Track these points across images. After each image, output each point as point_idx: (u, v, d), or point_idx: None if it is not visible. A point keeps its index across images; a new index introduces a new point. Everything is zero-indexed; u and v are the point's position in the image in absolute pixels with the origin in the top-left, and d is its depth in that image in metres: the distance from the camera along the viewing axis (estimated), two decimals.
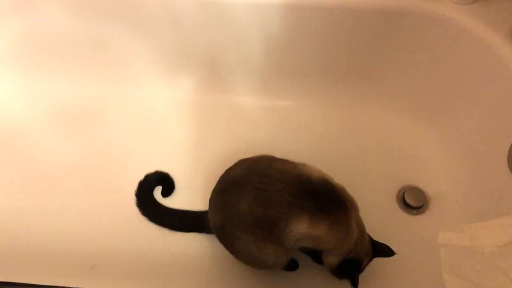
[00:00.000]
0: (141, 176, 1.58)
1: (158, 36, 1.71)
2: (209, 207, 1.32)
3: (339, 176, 1.25)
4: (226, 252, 1.33)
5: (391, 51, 1.64)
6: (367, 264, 1.27)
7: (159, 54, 1.78)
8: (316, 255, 1.42)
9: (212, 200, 1.31)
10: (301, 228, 1.13)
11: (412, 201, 1.55)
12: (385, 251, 1.25)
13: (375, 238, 1.28)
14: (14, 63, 1.83)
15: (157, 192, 1.59)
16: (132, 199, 1.54)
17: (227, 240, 1.29)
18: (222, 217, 1.24)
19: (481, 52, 1.44)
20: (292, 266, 1.40)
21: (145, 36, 1.72)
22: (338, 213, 1.15)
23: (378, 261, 1.42)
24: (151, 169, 1.60)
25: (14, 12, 1.67)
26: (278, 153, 1.32)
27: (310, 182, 1.17)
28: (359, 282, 1.23)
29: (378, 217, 1.35)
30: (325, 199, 1.15)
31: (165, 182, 1.61)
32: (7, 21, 1.70)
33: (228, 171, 1.30)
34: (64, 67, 1.84)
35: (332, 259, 1.24)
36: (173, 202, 1.58)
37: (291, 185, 1.16)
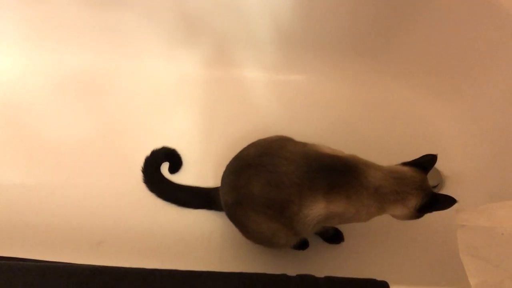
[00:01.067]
0: (148, 152, 1.54)
1: (164, 9, 1.66)
2: (221, 186, 1.30)
3: (353, 153, 1.20)
4: (234, 230, 1.31)
5: (409, 23, 1.57)
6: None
7: (166, 28, 1.74)
8: (326, 235, 1.40)
9: (224, 179, 1.29)
10: (318, 210, 1.10)
11: None
12: (427, 161, 1.19)
13: (387, 217, 1.23)
14: (25, 38, 1.80)
15: (165, 168, 1.56)
16: (140, 175, 1.52)
17: (238, 220, 1.27)
18: (234, 197, 1.22)
19: (504, 22, 1.37)
20: (302, 245, 1.37)
21: (151, 11, 1.68)
22: (350, 182, 1.10)
23: (390, 244, 1.39)
24: (159, 145, 1.57)
25: None
26: (291, 129, 1.29)
27: (316, 160, 1.14)
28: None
29: None
30: (333, 173, 1.11)
31: (172, 158, 1.57)
32: (18, 4, 1.69)
33: (242, 151, 1.27)
34: (71, 42, 1.80)
35: (401, 214, 1.16)
36: (181, 179, 1.55)
37: (299, 166, 1.12)
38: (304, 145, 1.21)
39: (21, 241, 1.41)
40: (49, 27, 1.76)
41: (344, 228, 1.41)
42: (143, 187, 1.51)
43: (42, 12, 1.71)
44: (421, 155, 1.58)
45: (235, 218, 1.28)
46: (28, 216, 1.47)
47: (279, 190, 1.12)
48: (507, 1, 1.36)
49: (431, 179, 1.49)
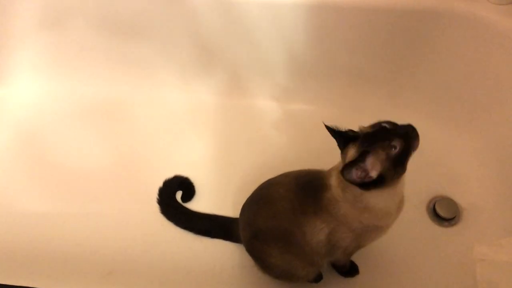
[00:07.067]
0: (161, 180, 1.54)
1: (181, 41, 1.71)
2: (239, 222, 1.30)
3: None
4: (250, 263, 1.29)
5: (424, 54, 1.57)
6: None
7: (182, 58, 1.77)
8: (342, 269, 1.36)
9: (241, 215, 1.29)
10: (323, 232, 1.06)
11: (444, 212, 1.46)
12: None
13: (403, 250, 1.20)
14: (46, 65, 1.85)
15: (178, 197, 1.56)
16: (152, 203, 1.51)
17: (256, 255, 1.25)
18: (249, 233, 1.22)
19: None
20: (315, 278, 1.34)
21: (168, 41, 1.72)
22: (324, 195, 1.04)
23: (406, 278, 1.35)
24: (173, 173, 1.57)
25: (45, 26, 1.72)
26: (301, 159, 1.28)
27: (303, 176, 1.12)
28: None
29: (407, 228, 1.28)
30: (311, 190, 1.07)
31: (185, 187, 1.56)
32: (39, 33, 1.74)
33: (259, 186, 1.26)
34: (90, 70, 1.85)
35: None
36: (195, 207, 1.52)
37: (289, 187, 1.11)
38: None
39: (32, 269, 1.40)
40: (69, 56, 1.81)
41: (359, 260, 1.38)
42: (155, 216, 1.50)
43: (62, 41, 1.76)
44: (436, 187, 1.55)
45: (253, 253, 1.26)
46: (39, 244, 1.47)
47: (277, 220, 1.11)
48: None
49: (448, 211, 1.46)
